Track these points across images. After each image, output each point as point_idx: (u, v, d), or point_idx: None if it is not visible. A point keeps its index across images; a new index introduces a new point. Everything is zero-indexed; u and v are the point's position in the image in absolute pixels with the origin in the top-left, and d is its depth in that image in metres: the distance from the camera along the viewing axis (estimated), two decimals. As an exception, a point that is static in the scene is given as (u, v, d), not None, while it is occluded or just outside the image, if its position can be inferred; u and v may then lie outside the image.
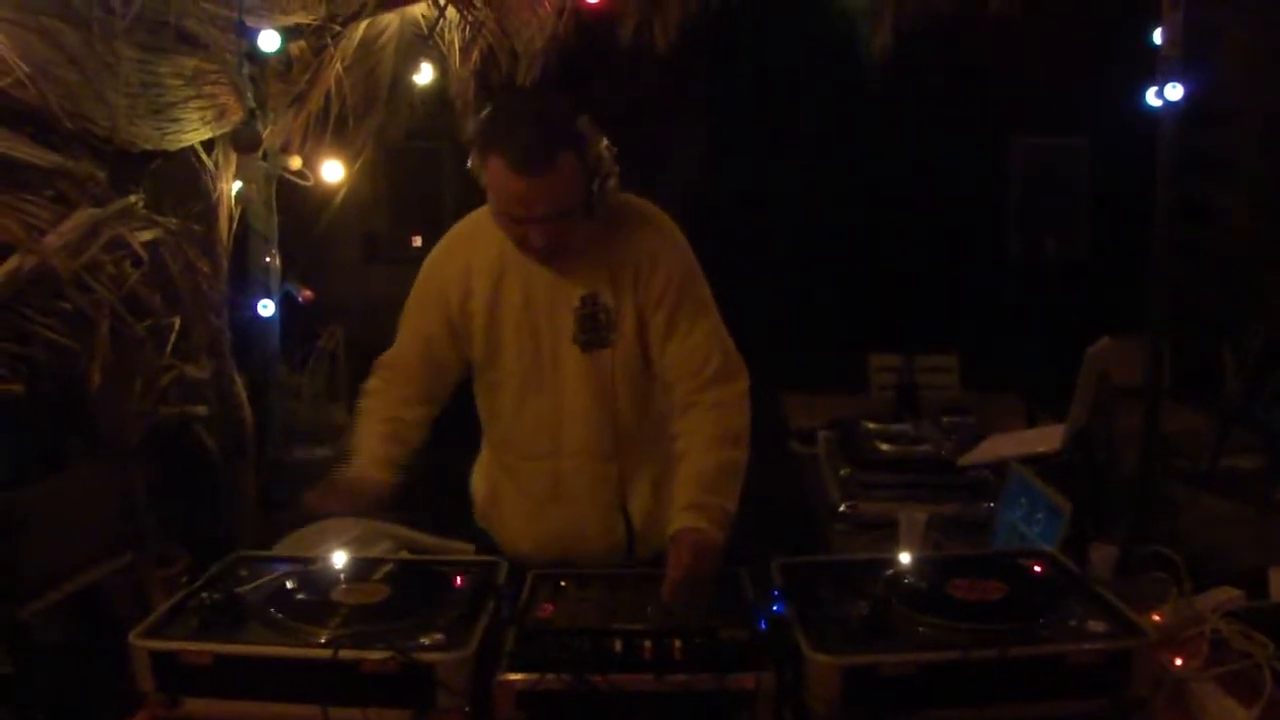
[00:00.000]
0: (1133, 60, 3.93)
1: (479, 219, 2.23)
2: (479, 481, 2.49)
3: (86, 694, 2.87)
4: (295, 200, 3.82)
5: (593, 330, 2.17)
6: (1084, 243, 5.16)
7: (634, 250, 2.16)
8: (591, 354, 2.18)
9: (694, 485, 2.08)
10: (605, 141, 2.08)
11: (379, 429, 2.28)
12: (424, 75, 3.83)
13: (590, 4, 3.59)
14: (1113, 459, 4.35)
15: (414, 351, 2.30)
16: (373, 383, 2.33)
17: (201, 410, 3.30)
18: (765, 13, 4.78)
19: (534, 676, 1.70)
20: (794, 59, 5.65)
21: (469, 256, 2.21)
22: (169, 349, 3.02)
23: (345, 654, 1.74)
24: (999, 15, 3.87)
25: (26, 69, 2.56)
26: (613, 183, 2.09)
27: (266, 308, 3.49)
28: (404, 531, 3.20)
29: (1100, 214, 5.19)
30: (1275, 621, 1.93)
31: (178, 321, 3.07)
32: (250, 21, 2.96)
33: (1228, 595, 2.14)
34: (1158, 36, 3.61)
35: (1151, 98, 3.64)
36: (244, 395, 3.48)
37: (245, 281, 3.50)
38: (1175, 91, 3.53)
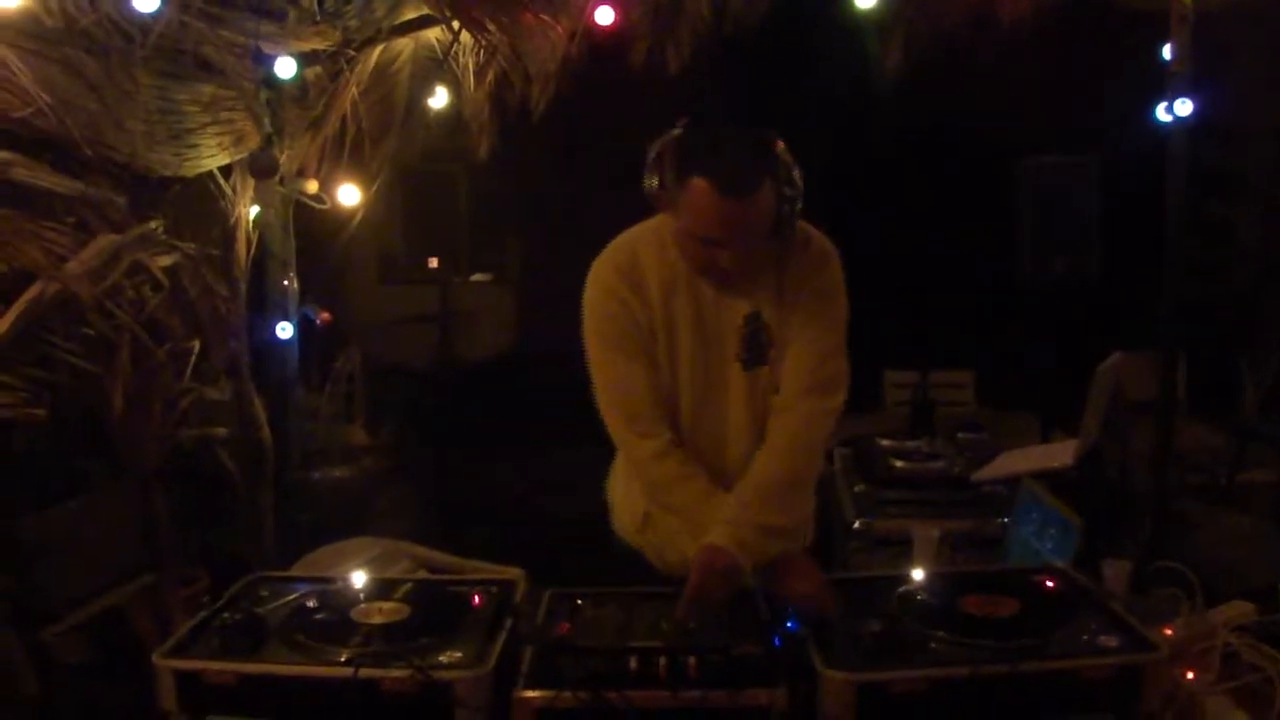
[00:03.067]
0: (1142, 77, 3.94)
1: (634, 240, 2.23)
2: (631, 498, 2.41)
3: (110, 715, 2.90)
4: (310, 223, 3.86)
5: (755, 349, 2.19)
6: (1095, 260, 5.18)
7: (795, 270, 2.18)
8: (752, 372, 2.20)
9: (741, 498, 2.10)
10: (798, 170, 2.08)
11: (720, 494, 2.16)
12: (439, 99, 3.87)
13: (603, 27, 3.62)
14: (1126, 474, 4.36)
15: (646, 384, 2.20)
16: (656, 444, 2.18)
17: (221, 432, 3.34)
18: (777, 35, 4.82)
19: (551, 694, 1.73)
20: (805, 80, 5.69)
21: (637, 277, 2.19)
22: (189, 372, 3.06)
23: (366, 672, 1.77)
24: (1009, 35, 3.88)
25: (48, 99, 2.61)
26: (799, 208, 2.10)
27: (285, 330, 3.52)
28: (422, 551, 3.24)
29: (1111, 231, 5.21)
30: (1287, 635, 1.94)
31: (197, 345, 3.11)
32: (266, 48, 3.00)
33: (1239, 610, 2.15)
34: (1167, 53, 3.62)
35: (1161, 114, 3.64)
36: (263, 416, 3.51)
37: (263, 304, 3.54)
38: (1185, 107, 3.54)
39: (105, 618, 3.05)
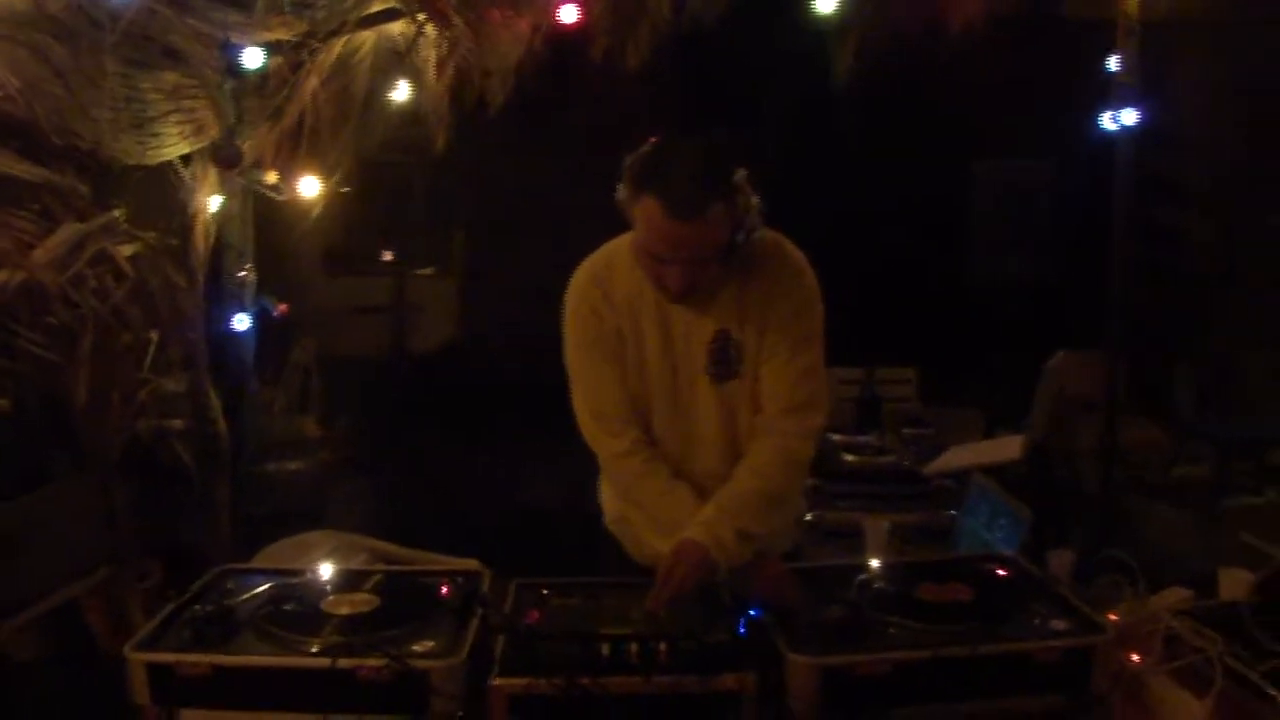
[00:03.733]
0: (1093, 85, 4.05)
1: (613, 249, 2.28)
2: (612, 493, 2.47)
3: (65, 712, 2.88)
4: (261, 214, 3.84)
5: (724, 363, 2.23)
6: (1044, 261, 5.31)
7: (765, 285, 2.22)
8: (721, 385, 2.24)
9: (722, 500, 2.15)
10: (756, 198, 2.12)
11: (681, 489, 2.22)
12: (401, 92, 3.87)
13: (566, 25, 3.65)
14: (1070, 469, 4.48)
15: (615, 386, 2.26)
16: (621, 442, 2.25)
17: (177, 424, 3.32)
18: (735, 34, 4.87)
19: (526, 681, 1.77)
20: (761, 79, 5.76)
21: (609, 285, 2.24)
22: (148, 363, 3.05)
23: (343, 662, 1.79)
24: (962, 42, 3.97)
25: (16, 84, 2.59)
26: (757, 235, 2.14)
27: (242, 321, 3.51)
28: (377, 544, 3.25)
29: (1060, 234, 5.34)
30: (1224, 618, 2.02)
31: (155, 335, 3.09)
32: (234, 38, 3.00)
33: (1179, 596, 2.24)
34: (1113, 64, 3.72)
35: (1107, 122, 3.74)
36: (219, 409, 3.50)
37: (219, 295, 3.52)
38: (1130, 116, 3.64)
39: (59, 613, 3.02)
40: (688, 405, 2.27)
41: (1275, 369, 6.32)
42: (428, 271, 5.93)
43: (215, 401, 3.49)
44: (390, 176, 5.00)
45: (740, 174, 2.09)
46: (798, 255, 2.27)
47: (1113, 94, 3.73)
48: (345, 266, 5.61)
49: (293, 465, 4.11)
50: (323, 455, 4.36)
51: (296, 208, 3.90)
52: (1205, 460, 5.90)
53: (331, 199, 4.03)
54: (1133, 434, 5.16)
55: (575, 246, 2.39)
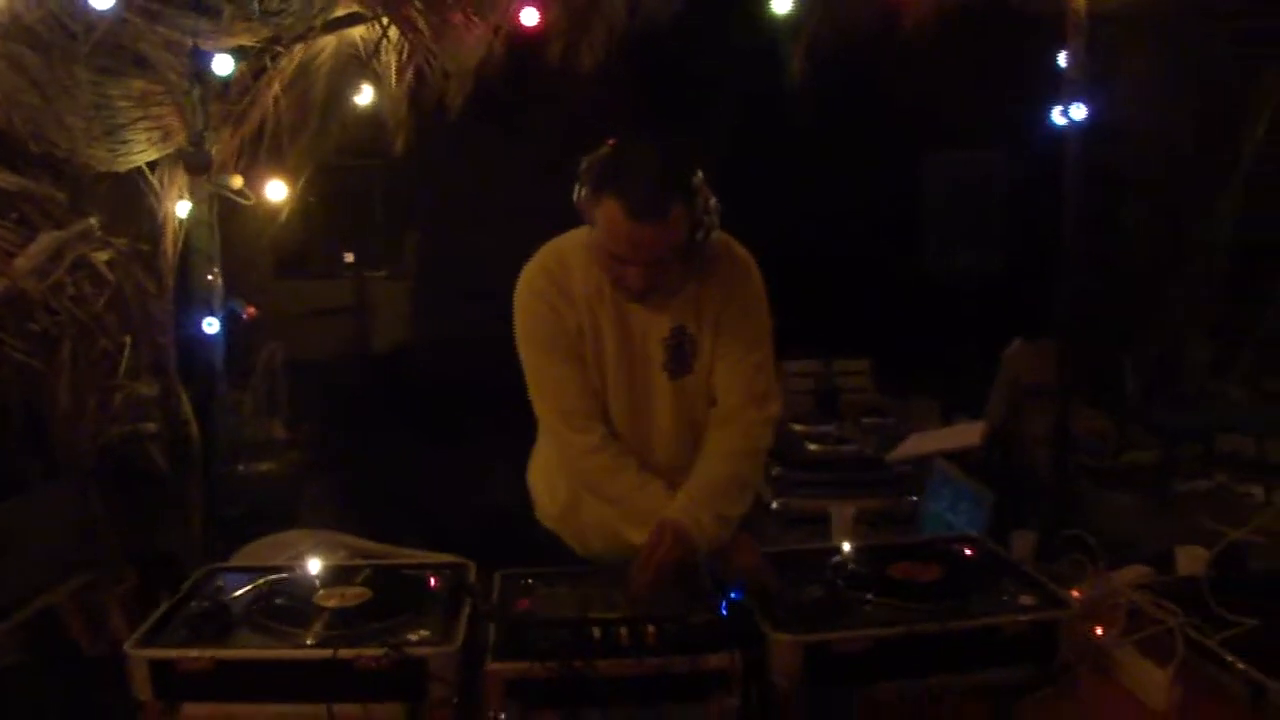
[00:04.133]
0: (1041, 78, 4.15)
1: (564, 246, 2.30)
2: (553, 485, 2.51)
3: (48, 715, 2.89)
4: (222, 218, 3.86)
5: (680, 359, 2.29)
6: (995, 252, 5.44)
7: (716, 285, 2.28)
8: (677, 380, 2.30)
9: (695, 487, 2.22)
10: (713, 199, 2.17)
11: (653, 481, 2.27)
12: (359, 96, 3.91)
13: (527, 28, 3.71)
14: (1023, 455, 4.60)
15: (577, 383, 2.29)
16: (590, 438, 2.28)
17: (151, 427, 3.34)
18: (688, 32, 4.94)
19: (523, 665, 1.82)
20: (714, 77, 5.84)
21: (564, 283, 2.27)
22: (122, 368, 3.07)
23: (345, 652, 1.84)
24: (913, 37, 4.07)
25: (-3, 94, 2.61)
26: (714, 235, 2.19)
27: (211, 325, 3.53)
28: (355, 541, 3.29)
29: (1010, 225, 5.47)
30: (1183, 592, 2.12)
31: (129, 341, 3.11)
32: (201, 44, 3.02)
33: (1139, 572, 2.35)
34: (1062, 59, 3.83)
35: (1057, 117, 3.85)
36: (190, 412, 3.52)
37: (188, 300, 3.54)
38: (1079, 111, 3.75)
39: (39, 619, 3.03)
40: (645, 400, 2.32)
41: (1220, 358, 6.50)
42: (380, 274, 5.95)
43: (186, 405, 3.52)
44: (351, 180, 5.02)
45: (699, 175, 2.14)
46: (746, 255, 2.34)
47: (1062, 89, 3.82)
48: (298, 270, 5.62)
49: (263, 466, 4.14)
50: (292, 456, 4.38)
51: (255, 212, 3.92)
52: (1153, 447, 6.06)
53: (287, 204, 4.06)
54: (1081, 421, 5.30)
55: (528, 247, 2.42)
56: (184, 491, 3.55)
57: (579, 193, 2.16)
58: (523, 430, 2.46)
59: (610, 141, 2.16)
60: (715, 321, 2.29)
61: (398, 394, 5.45)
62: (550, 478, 2.52)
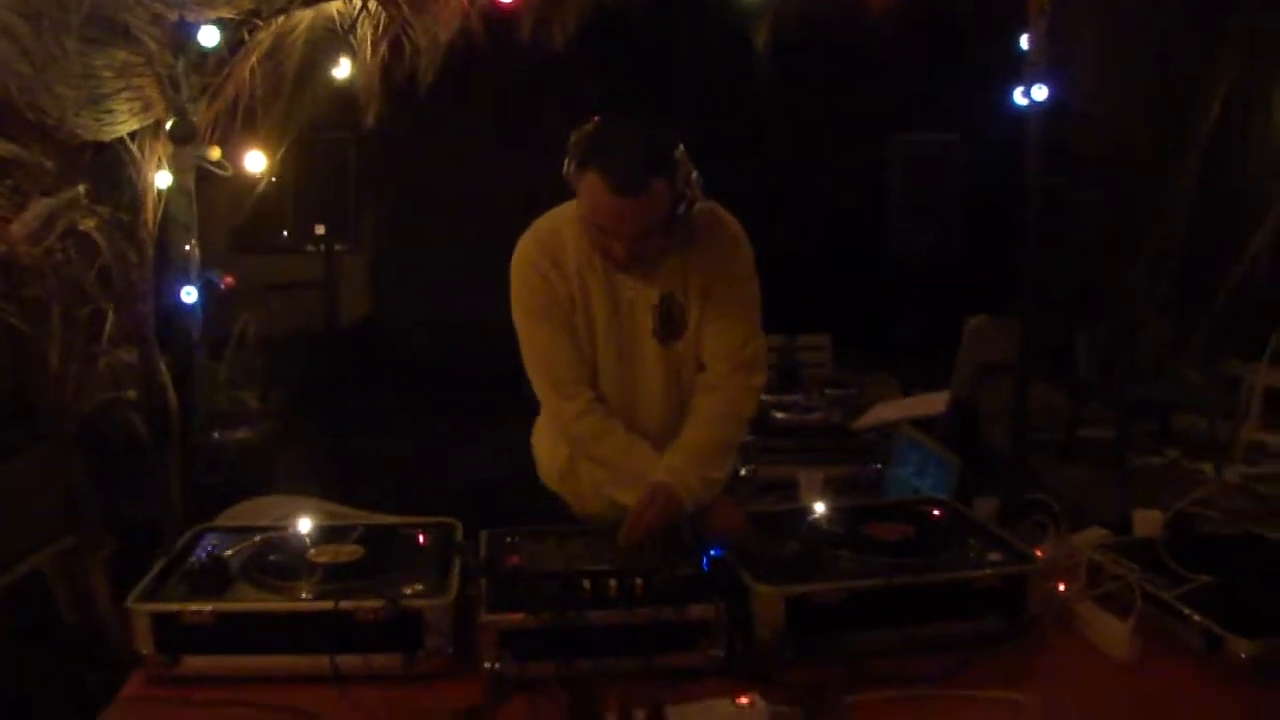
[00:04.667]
0: (1003, 61, 4.25)
1: (558, 217, 2.37)
2: (554, 449, 2.58)
3: (34, 678, 2.93)
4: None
5: (669, 326, 2.36)
6: (956, 232, 5.55)
7: (705, 253, 2.35)
8: (666, 346, 2.38)
9: (682, 451, 2.31)
10: (695, 173, 2.24)
11: (640, 443, 2.35)
12: (342, 69, 3.94)
13: (504, 4, 3.75)
14: (982, 428, 4.73)
15: (568, 350, 2.37)
16: (578, 404, 2.36)
17: (132, 394, 3.37)
18: (656, 11, 5.00)
19: (516, 616, 1.90)
20: (678, 58, 5.91)
21: (556, 252, 2.33)
22: (106, 335, 3.10)
23: (346, 604, 1.91)
24: (878, 19, 4.15)
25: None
26: (698, 207, 2.26)
27: (190, 294, 3.56)
28: (334, 508, 3.34)
29: (968, 205, 5.58)
30: (1140, 552, 2.23)
31: (111, 308, 3.14)
32: (186, 16, 3.04)
33: (1098, 534, 2.45)
34: (1024, 42, 3.93)
35: (1019, 98, 3.94)
36: (169, 380, 3.55)
37: (167, 269, 3.57)
38: (1041, 93, 3.85)
39: (22, 584, 3.06)
40: (634, 366, 2.40)
41: (1173, 336, 6.68)
42: (341, 248, 5.93)
43: (165, 373, 3.55)
44: (325, 152, 5.04)
45: (680, 150, 2.21)
46: (735, 225, 2.41)
47: (1024, 71, 3.92)
48: (257, 244, 5.61)
49: (239, 435, 4.17)
50: (266, 426, 4.42)
51: (226, 186, 3.94)
52: (1104, 422, 6.23)
53: (251, 177, 4.08)
54: (1036, 397, 5.45)
55: (495, 225, 2.47)
56: (162, 459, 3.58)
57: (567, 166, 2.22)
58: (490, 402, 2.50)
59: (596, 118, 2.22)
60: (703, 290, 2.36)
61: (354, 369, 5.49)
62: (552, 441, 2.60)
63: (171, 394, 3.58)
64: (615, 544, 2.13)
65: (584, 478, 2.51)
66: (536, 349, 2.39)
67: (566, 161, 2.22)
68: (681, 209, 2.22)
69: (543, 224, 2.40)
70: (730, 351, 2.38)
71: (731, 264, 2.38)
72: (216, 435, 4.06)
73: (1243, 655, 1.88)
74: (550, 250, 2.35)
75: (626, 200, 2.12)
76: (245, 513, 3.15)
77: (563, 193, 2.31)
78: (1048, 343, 5.73)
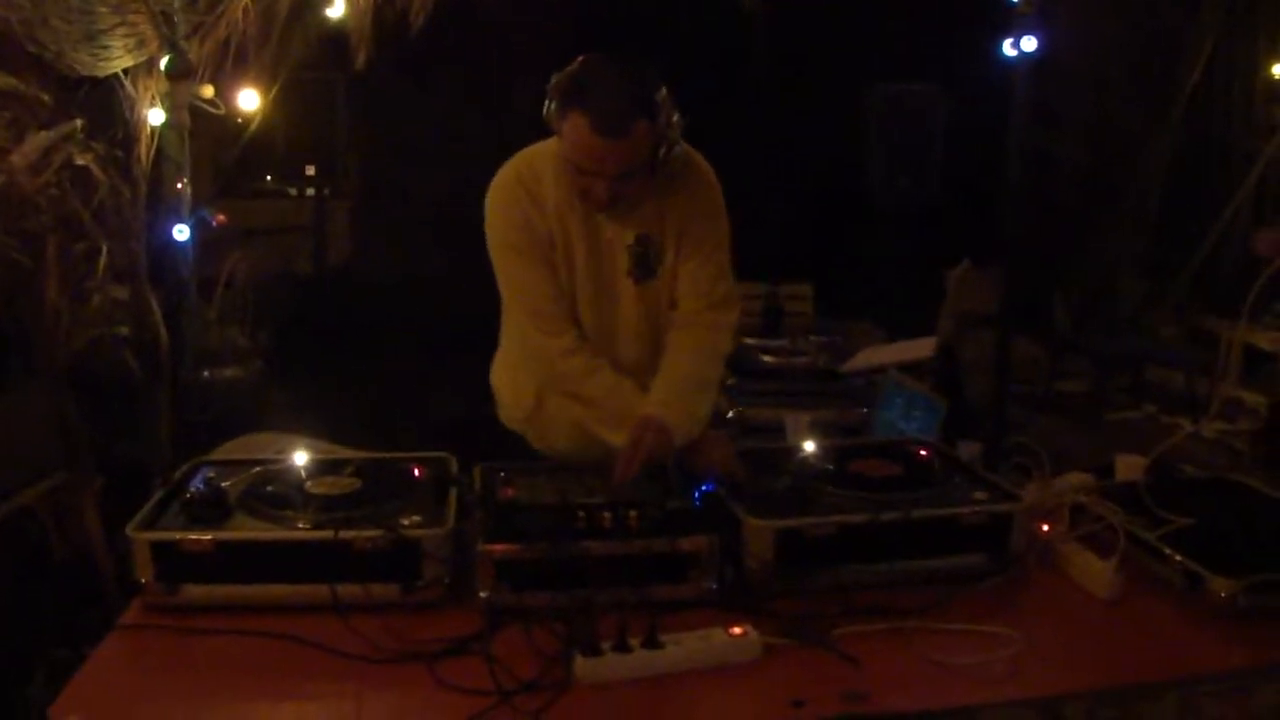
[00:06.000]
0: (984, 12, 4.25)
1: (536, 154, 2.37)
2: (518, 386, 2.60)
3: (25, 616, 2.95)
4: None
5: (644, 265, 2.39)
6: (935, 182, 5.58)
7: (681, 195, 2.38)
8: (642, 285, 2.41)
9: (662, 386, 2.33)
10: (676, 115, 2.25)
11: (626, 382, 2.36)
12: (335, 8, 3.91)
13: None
14: (963, 377, 4.78)
15: (549, 285, 2.38)
16: (564, 341, 2.37)
17: (124, 331, 3.38)
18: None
19: (513, 547, 1.94)
20: (660, 8, 5.88)
21: (535, 189, 2.34)
22: (100, 271, 3.10)
23: (345, 534, 1.94)
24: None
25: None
26: (677, 150, 2.27)
27: (182, 232, 3.56)
28: (324, 445, 3.38)
29: (949, 156, 5.60)
30: (1122, 495, 2.28)
31: (105, 244, 3.15)
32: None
33: (1081, 478, 2.49)
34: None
35: (1008, 49, 3.94)
36: (159, 318, 3.56)
37: (159, 207, 3.57)
38: (1030, 44, 3.85)
39: (15, 518, 3.08)
40: (611, 304, 2.42)
41: (1148, 290, 6.76)
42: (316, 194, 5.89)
43: (156, 310, 3.56)
44: (314, 92, 5.01)
45: (662, 92, 2.22)
46: (708, 168, 2.44)
47: (1014, 23, 3.92)
48: (236, 189, 5.57)
49: (228, 373, 4.19)
50: (255, 364, 4.43)
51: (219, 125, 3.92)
52: (1082, 375, 6.32)
53: (255, 114, 4.06)
54: (1014, 350, 5.51)
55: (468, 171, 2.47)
56: (152, 396, 3.60)
57: (548, 107, 2.23)
58: (457, 345, 2.51)
59: (579, 59, 2.23)
60: (678, 230, 2.39)
61: (336, 313, 5.50)
62: (516, 378, 2.61)
63: (163, 331, 3.59)
64: (605, 479, 2.15)
65: (556, 415, 2.52)
66: (517, 284, 2.40)
67: (546, 103, 2.22)
68: (663, 151, 2.24)
69: (521, 159, 2.40)
70: (703, 289, 2.41)
71: (706, 204, 2.42)
72: (206, 374, 4.07)
73: (1222, 594, 1.93)
74: (529, 186, 2.35)
75: (610, 141, 2.14)
76: (237, 449, 3.18)
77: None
78: (1026, 296, 5.80)
